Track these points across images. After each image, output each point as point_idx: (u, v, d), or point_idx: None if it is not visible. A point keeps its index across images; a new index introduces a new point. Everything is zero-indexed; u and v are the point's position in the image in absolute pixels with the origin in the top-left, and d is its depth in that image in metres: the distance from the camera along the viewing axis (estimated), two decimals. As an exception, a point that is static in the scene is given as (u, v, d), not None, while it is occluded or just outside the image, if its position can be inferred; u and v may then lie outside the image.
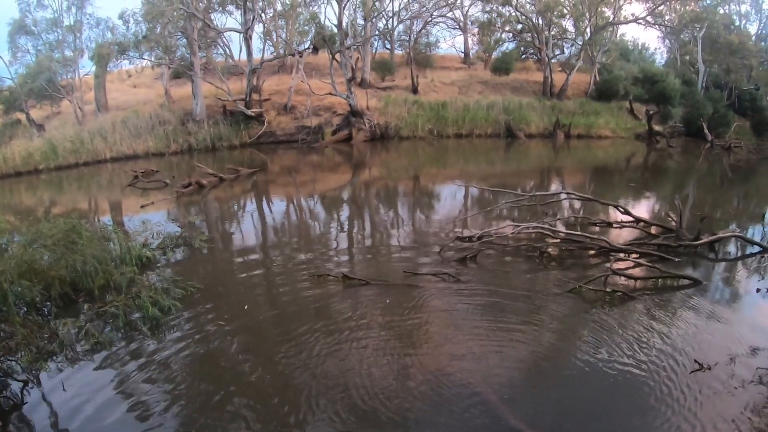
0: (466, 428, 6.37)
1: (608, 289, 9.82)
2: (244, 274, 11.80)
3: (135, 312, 9.40)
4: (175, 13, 31.67)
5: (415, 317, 9.25)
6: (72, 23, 33.59)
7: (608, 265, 10.71)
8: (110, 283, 10.36)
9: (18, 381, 7.47)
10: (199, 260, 12.66)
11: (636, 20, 40.20)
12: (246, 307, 9.87)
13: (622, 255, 11.56)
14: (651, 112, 33.72)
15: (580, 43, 40.50)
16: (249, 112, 32.75)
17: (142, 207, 17.93)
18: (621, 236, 13.44)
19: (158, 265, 12.08)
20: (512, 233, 12.85)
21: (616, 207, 14.05)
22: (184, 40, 33.70)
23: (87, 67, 35.17)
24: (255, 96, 33.80)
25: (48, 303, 9.84)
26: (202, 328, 9.06)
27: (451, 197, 19.44)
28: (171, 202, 18.88)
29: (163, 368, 7.80)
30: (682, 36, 43.80)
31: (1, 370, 7.58)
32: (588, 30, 39.53)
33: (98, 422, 6.61)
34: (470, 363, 7.68)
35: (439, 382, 7.22)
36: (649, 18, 40.42)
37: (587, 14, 39.03)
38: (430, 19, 43.56)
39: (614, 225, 14.13)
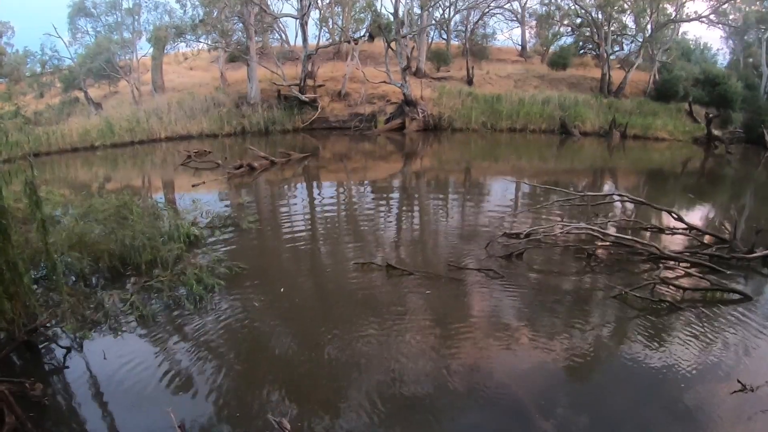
0: (497, 429, 6.26)
1: (655, 298, 9.40)
2: (290, 258, 11.81)
3: (180, 288, 9.49)
4: (232, -2, 32.02)
5: (456, 312, 9.08)
6: (131, 6, 34.62)
7: (657, 272, 10.34)
8: (157, 258, 10.44)
9: (62, 347, 7.62)
10: (246, 241, 12.68)
11: (699, 18, 38.50)
12: (282, 290, 9.87)
13: (671, 263, 11.13)
14: (711, 115, 32.15)
15: (641, 40, 39.19)
16: (303, 98, 32.90)
17: (193, 186, 18.16)
18: (672, 243, 12.83)
19: (206, 243, 12.15)
20: (561, 233, 12.48)
21: (669, 212, 13.43)
22: (241, 24, 34.09)
23: (144, 49, 36.15)
24: (309, 82, 33.97)
25: (96, 275, 10.03)
26: (244, 308, 9.08)
27: (501, 192, 19.03)
28: (222, 183, 19.06)
29: (203, 344, 7.84)
30: (746, 37, 41.97)
31: (47, 336, 7.75)
32: (649, 27, 38.15)
33: (136, 391, 6.69)
34: (508, 363, 7.51)
35: (475, 379, 7.06)
36: (712, 17, 38.64)
37: (648, 10, 37.58)
38: (487, 10, 42.92)
39: (666, 231, 13.52)
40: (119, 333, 8.12)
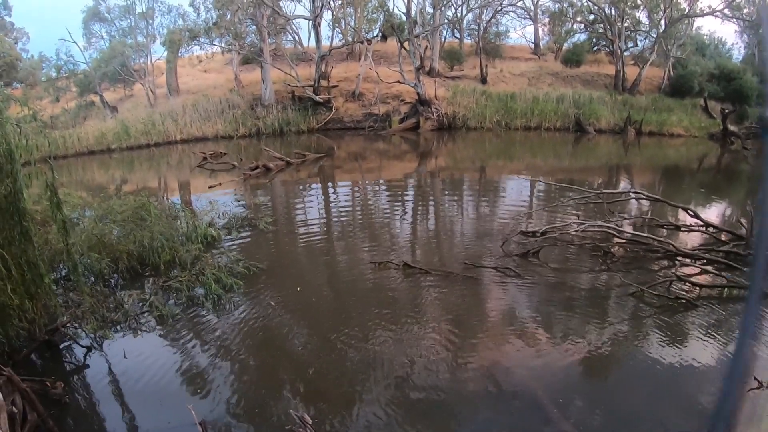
0: (514, 426, 6.23)
1: (671, 295, 9.32)
2: (306, 257, 11.84)
3: (198, 288, 9.55)
4: (245, 0, 32.16)
5: (472, 309, 9.08)
6: (144, 10, 34.87)
7: (673, 270, 10.27)
8: (176, 259, 10.55)
9: (82, 346, 7.71)
10: (263, 241, 12.74)
11: (712, 13, 37.57)
12: (299, 289, 9.89)
13: (688, 260, 11.03)
14: (726, 111, 31.73)
15: (654, 35, 38.65)
16: (317, 98, 33.01)
17: (210, 188, 18.29)
18: (688, 240, 12.72)
19: (223, 244, 12.21)
20: (577, 231, 12.38)
21: (685, 210, 13.32)
22: (254, 26, 34.22)
23: (159, 52, 36.56)
24: (323, 82, 34.05)
25: (115, 275, 10.10)
26: (262, 307, 9.12)
27: (516, 190, 19.02)
28: (238, 184, 19.16)
29: (222, 343, 7.90)
30: (760, 31, 41.35)
31: (67, 336, 7.83)
32: (662, 22, 37.73)
33: (156, 389, 6.75)
34: (524, 360, 7.48)
35: (493, 377, 7.05)
36: (726, 11, 37.82)
37: (662, 5, 37.16)
38: (499, 8, 42.74)
39: (682, 228, 13.37)
40: (139, 332, 8.20)
